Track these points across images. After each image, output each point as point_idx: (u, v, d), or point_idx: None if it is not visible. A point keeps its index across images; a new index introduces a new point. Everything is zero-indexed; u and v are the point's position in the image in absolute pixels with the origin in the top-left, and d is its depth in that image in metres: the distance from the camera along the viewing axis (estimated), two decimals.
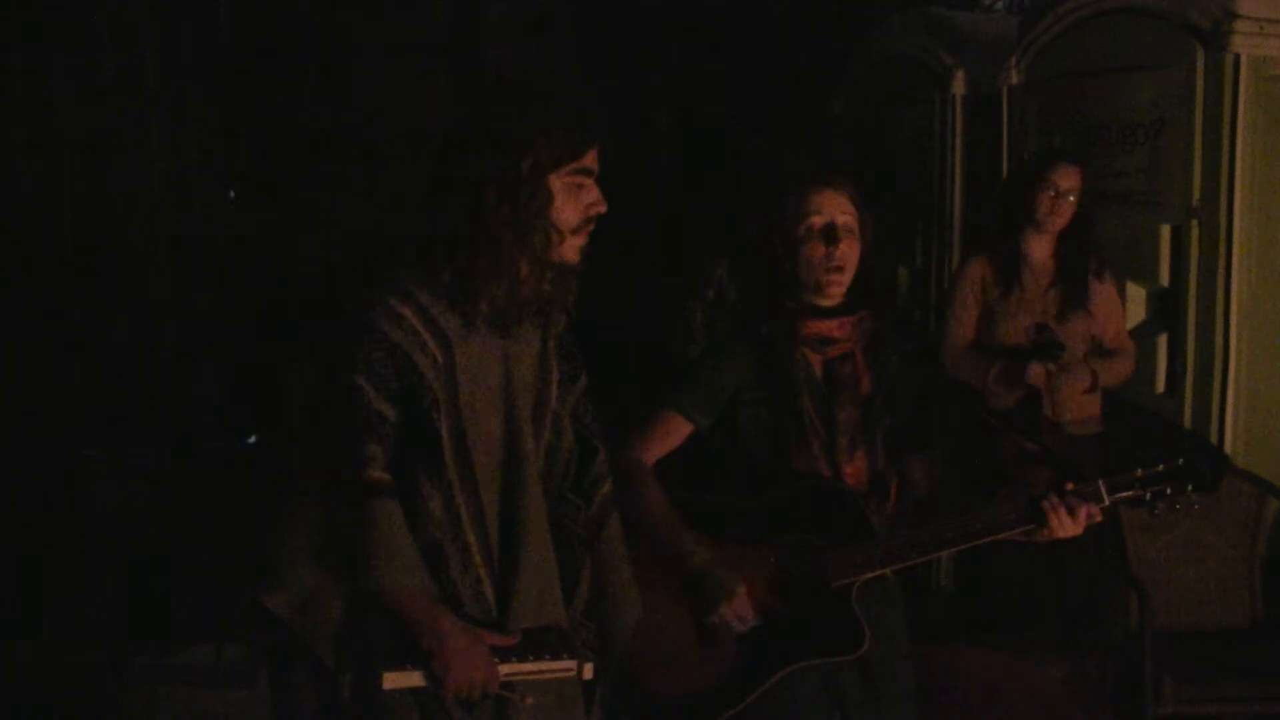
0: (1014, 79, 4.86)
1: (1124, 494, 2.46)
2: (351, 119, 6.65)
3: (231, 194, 6.60)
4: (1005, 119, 4.91)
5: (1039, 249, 4.05)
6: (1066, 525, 2.43)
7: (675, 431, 2.63)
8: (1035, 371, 3.86)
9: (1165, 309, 4.22)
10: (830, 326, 2.59)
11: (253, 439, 5.63)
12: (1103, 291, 4.06)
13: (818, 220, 2.55)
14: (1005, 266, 4.04)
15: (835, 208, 2.56)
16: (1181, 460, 2.46)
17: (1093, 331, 4.03)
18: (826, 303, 2.60)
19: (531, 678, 2.13)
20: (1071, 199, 3.96)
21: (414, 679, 2.10)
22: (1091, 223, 4.04)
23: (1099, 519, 2.46)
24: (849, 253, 2.56)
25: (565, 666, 2.15)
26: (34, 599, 4.27)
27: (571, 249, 2.17)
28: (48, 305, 5.66)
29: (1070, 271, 4.03)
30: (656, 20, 7.18)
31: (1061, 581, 4.00)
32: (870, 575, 2.50)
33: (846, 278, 2.58)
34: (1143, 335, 4.28)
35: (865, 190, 2.62)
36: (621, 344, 5.52)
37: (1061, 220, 3.99)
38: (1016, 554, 2.66)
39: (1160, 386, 4.24)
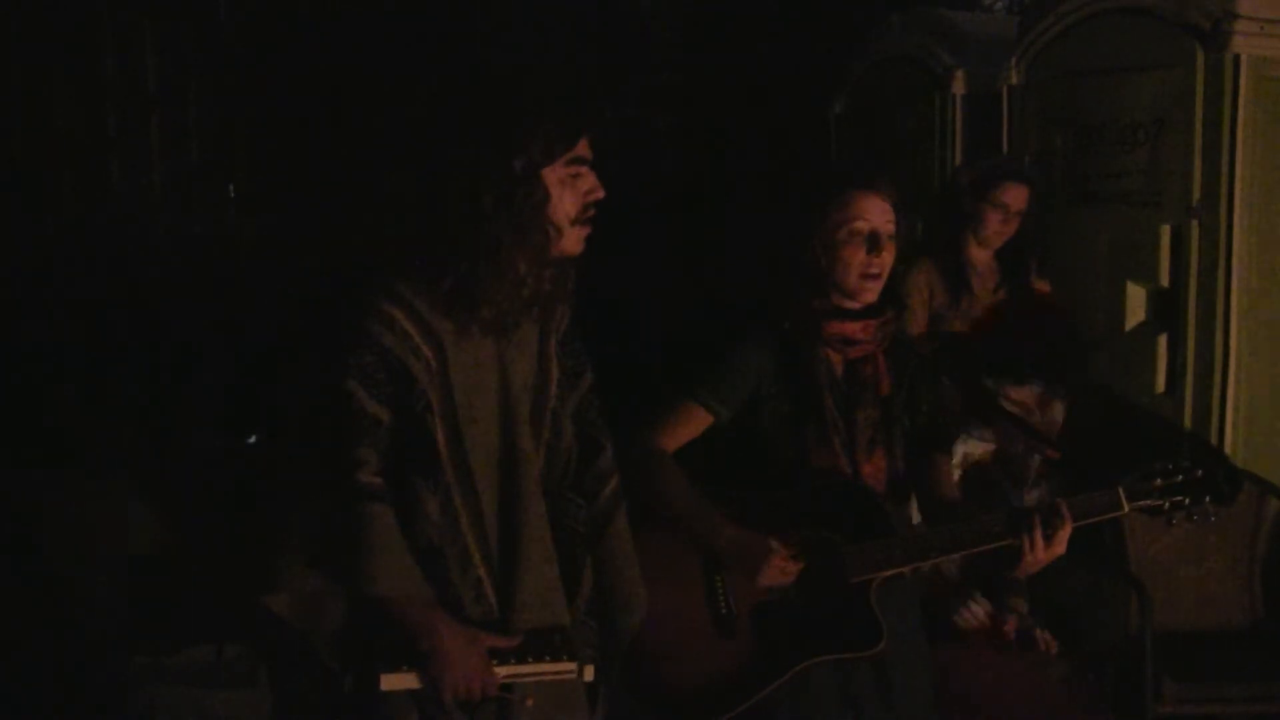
0: (1014, 79, 4.85)
1: (1143, 503, 2.46)
2: (351, 118, 6.64)
3: (230, 187, 6.60)
4: (1005, 119, 4.90)
5: (981, 253, 4.06)
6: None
7: (694, 422, 2.60)
8: None
9: (1165, 309, 4.21)
10: (854, 328, 2.58)
11: (253, 439, 5.62)
12: (1042, 290, 4.11)
13: (862, 226, 2.52)
14: (953, 274, 4.01)
15: (879, 214, 2.54)
16: (1201, 472, 2.46)
17: None
18: (854, 305, 2.58)
19: (532, 679, 2.13)
20: (1019, 218, 3.97)
21: (411, 681, 2.09)
22: (1031, 227, 4.04)
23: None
24: (888, 260, 2.55)
25: (566, 668, 2.14)
26: (34, 599, 4.26)
27: (574, 241, 2.15)
28: (47, 305, 5.66)
29: (1015, 274, 4.05)
30: (657, 20, 7.18)
31: (1061, 581, 3.99)
32: (888, 573, 2.49)
33: (881, 284, 2.56)
34: (1143, 335, 4.27)
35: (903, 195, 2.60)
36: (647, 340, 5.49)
37: (1006, 238, 4.00)
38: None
39: (1160, 386, 4.23)
